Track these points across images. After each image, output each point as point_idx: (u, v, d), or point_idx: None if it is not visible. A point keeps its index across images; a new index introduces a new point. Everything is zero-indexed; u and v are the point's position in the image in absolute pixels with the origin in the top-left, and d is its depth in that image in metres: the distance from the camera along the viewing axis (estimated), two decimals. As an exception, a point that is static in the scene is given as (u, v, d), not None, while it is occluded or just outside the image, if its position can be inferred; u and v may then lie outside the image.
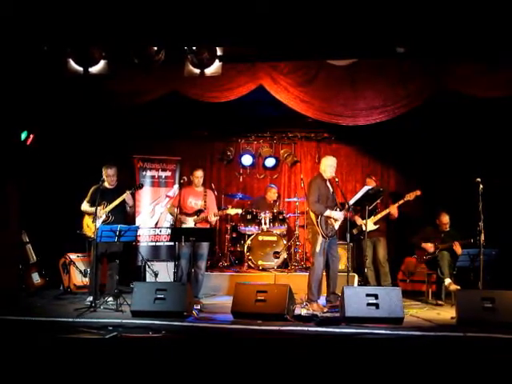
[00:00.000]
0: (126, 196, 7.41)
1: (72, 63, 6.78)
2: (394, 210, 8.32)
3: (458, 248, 7.79)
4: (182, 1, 5.99)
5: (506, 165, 8.77)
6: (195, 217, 7.63)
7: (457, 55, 6.77)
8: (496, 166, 8.70)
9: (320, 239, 7.15)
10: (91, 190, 7.57)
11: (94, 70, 6.75)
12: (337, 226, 7.34)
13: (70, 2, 6.09)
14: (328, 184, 7.41)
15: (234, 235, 9.70)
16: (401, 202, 8.28)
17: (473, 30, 6.21)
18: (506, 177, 8.66)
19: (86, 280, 8.31)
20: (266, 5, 5.93)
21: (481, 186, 6.91)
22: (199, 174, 7.78)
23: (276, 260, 9.02)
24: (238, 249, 9.58)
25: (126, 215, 7.74)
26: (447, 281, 7.74)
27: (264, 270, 8.94)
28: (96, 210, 7.17)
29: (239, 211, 8.02)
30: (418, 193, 8.20)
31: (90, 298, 7.11)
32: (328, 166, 7.39)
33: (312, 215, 7.26)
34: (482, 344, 5.52)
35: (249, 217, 9.40)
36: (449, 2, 5.89)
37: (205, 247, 7.62)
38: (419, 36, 6.48)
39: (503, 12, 5.87)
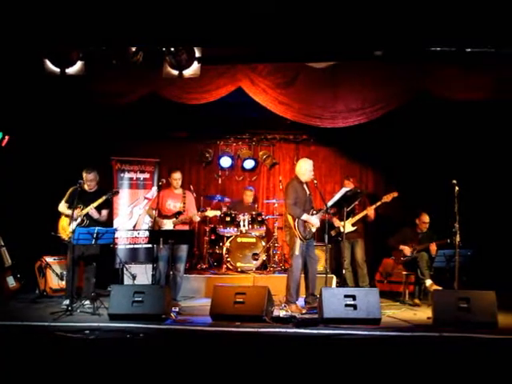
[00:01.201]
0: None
1: (49, 64, 6.72)
2: (370, 211, 8.38)
3: (432, 248, 7.87)
4: (158, 2, 5.96)
5: (483, 166, 8.90)
6: (174, 219, 7.60)
7: (436, 58, 6.83)
8: (473, 168, 8.83)
9: (298, 242, 7.17)
10: (69, 191, 7.50)
11: (70, 70, 6.69)
12: (314, 228, 7.36)
13: (47, 3, 6.04)
14: (305, 187, 7.43)
15: (213, 237, 9.68)
16: (378, 203, 8.34)
17: (452, 32, 6.28)
18: (482, 178, 8.79)
19: (63, 283, 8.19)
20: (245, 7, 5.93)
21: (456, 188, 7.00)
22: (177, 176, 7.75)
23: (255, 262, 9.02)
24: (217, 251, 9.55)
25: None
26: (428, 282, 7.80)
27: (243, 271, 8.94)
28: (73, 212, 7.11)
29: (217, 213, 8.03)
30: (395, 194, 8.26)
31: (67, 302, 7.04)
32: (307, 170, 7.38)
33: (289, 218, 7.27)
34: (457, 343, 5.59)
35: (228, 219, 9.39)
36: (427, 5, 5.94)
37: (184, 249, 7.59)
38: (397, 39, 6.53)
39: (482, 15, 5.94)
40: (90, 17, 6.03)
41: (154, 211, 7.52)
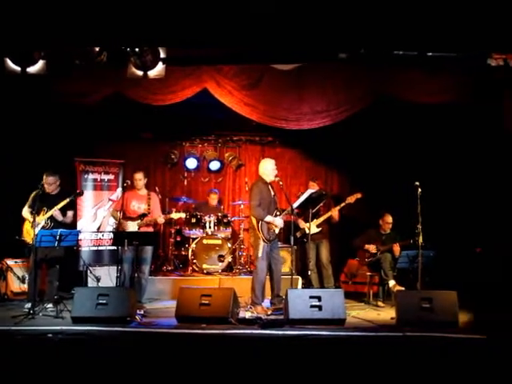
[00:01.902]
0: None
1: (9, 63, 6.59)
2: (335, 213, 8.42)
3: (396, 249, 7.98)
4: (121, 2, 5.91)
5: (445, 168, 9.05)
6: (139, 221, 7.53)
7: (400, 62, 6.92)
8: (435, 170, 8.97)
9: (261, 243, 7.18)
10: (32, 195, 7.38)
11: (32, 70, 6.58)
12: (277, 230, 7.39)
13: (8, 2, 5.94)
14: (270, 188, 7.45)
15: (179, 239, 9.63)
16: (342, 204, 8.39)
17: (415, 37, 6.38)
18: (444, 180, 8.94)
19: (25, 286, 8.05)
20: (210, 8, 5.92)
21: (419, 190, 7.10)
22: (138, 177, 7.68)
23: (221, 263, 9.00)
24: (183, 252, 9.50)
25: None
26: (391, 282, 7.89)
27: (208, 273, 8.91)
28: (35, 215, 6.97)
29: (182, 215, 8.00)
30: (359, 195, 8.34)
31: (29, 305, 6.90)
32: (271, 169, 7.43)
33: (253, 220, 7.29)
34: (420, 343, 5.68)
35: (193, 220, 9.35)
36: (389, 10, 6.03)
37: (148, 251, 7.51)
38: (361, 42, 6.61)
39: (444, 21, 6.04)
40: (53, 16, 5.94)
41: (118, 213, 7.44)
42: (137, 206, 7.64)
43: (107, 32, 6.19)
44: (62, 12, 5.90)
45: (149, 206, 7.63)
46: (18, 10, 5.93)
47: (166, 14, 5.95)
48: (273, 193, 7.45)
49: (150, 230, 7.69)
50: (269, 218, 7.21)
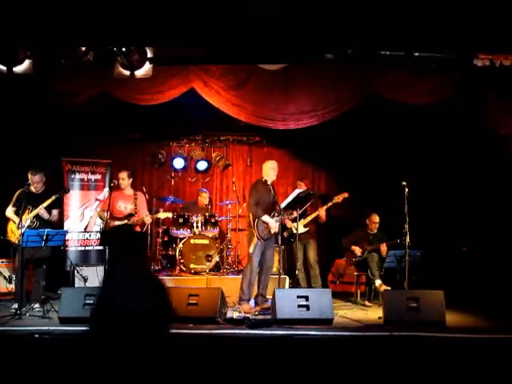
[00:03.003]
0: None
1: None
2: (322, 212, 8.45)
3: (383, 249, 8.02)
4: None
5: (432, 168, 9.10)
6: (126, 221, 7.50)
7: (387, 62, 6.94)
8: (422, 169, 9.02)
9: (255, 241, 7.25)
10: (16, 194, 7.32)
11: (18, 69, 6.54)
12: (272, 231, 7.42)
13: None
14: (270, 188, 7.51)
15: (166, 239, 9.60)
16: (329, 204, 8.42)
17: (401, 39, 6.41)
18: (431, 179, 8.99)
19: (12, 286, 7.98)
20: (196, 8, 5.91)
21: (406, 190, 7.15)
22: (122, 176, 7.66)
23: (208, 263, 8.99)
24: (170, 252, 9.47)
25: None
26: (378, 282, 7.92)
27: (196, 273, 8.89)
28: (21, 215, 6.93)
29: (169, 215, 8.00)
30: (346, 195, 8.36)
31: (16, 306, 6.86)
32: (272, 169, 7.54)
33: (251, 217, 7.42)
34: (407, 342, 5.71)
35: (181, 220, 9.33)
36: (377, 11, 6.05)
37: (135, 251, 7.51)
38: (348, 43, 6.63)
39: (431, 21, 6.07)
40: (38, 15, 5.90)
41: (105, 213, 7.41)
42: (123, 206, 7.61)
43: (94, 31, 6.16)
44: (48, 11, 5.86)
45: (135, 206, 7.60)
46: (3, 8, 5.88)
47: (154, 13, 5.92)
48: (273, 193, 7.50)
49: (138, 230, 7.68)
50: (265, 218, 7.29)
